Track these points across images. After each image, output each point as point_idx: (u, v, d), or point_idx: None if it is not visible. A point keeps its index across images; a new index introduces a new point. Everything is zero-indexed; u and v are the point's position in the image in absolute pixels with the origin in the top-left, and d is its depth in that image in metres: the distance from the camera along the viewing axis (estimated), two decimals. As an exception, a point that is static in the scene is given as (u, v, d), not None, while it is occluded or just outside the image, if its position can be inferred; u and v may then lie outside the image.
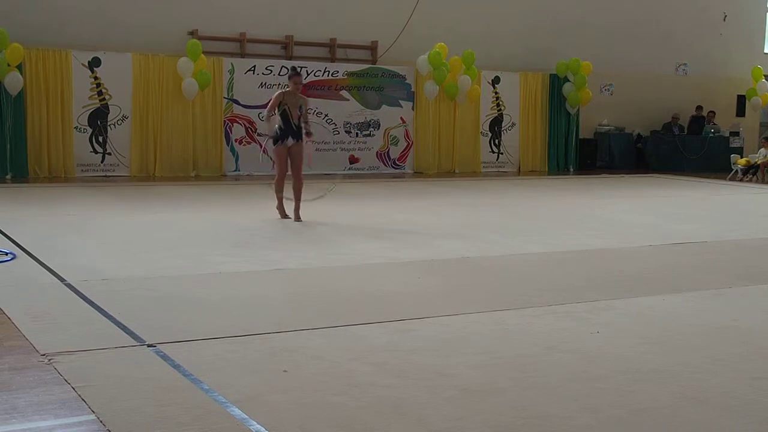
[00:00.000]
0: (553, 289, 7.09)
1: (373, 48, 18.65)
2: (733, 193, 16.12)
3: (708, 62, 22.76)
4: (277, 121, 10.50)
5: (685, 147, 21.29)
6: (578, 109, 20.49)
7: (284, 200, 10.76)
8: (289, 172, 10.70)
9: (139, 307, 6.11)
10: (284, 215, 10.69)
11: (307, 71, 17.54)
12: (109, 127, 16.15)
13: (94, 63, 15.92)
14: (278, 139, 10.56)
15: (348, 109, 18.14)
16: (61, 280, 6.94)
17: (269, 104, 10.65)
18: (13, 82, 15.03)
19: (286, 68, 17.20)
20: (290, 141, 10.58)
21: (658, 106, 21.95)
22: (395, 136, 18.69)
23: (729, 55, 22.98)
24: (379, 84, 18.38)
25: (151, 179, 16.04)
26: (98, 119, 16.08)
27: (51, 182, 15.02)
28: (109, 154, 16.21)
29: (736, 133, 21.90)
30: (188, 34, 16.84)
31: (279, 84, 17.23)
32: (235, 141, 17.12)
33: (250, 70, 17.11)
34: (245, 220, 10.61)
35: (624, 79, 21.52)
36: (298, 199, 10.63)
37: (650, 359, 5.11)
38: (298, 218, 10.52)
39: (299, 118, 10.62)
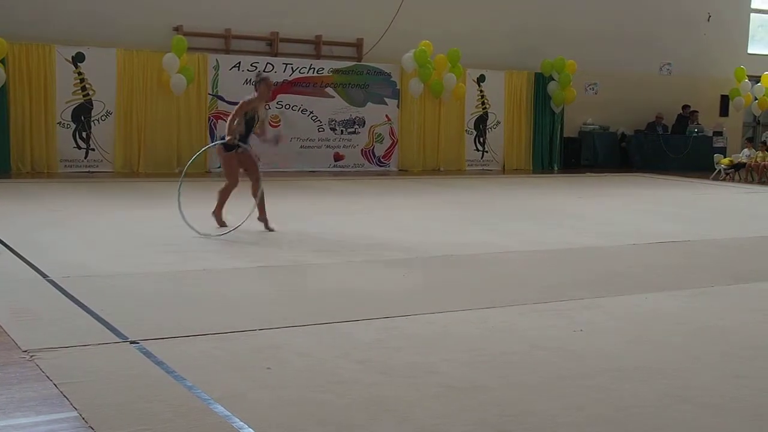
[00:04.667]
0: (537, 287, 7.10)
1: (358, 45, 18.62)
2: (717, 193, 16.20)
3: (692, 62, 22.85)
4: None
5: (669, 146, 21.38)
6: (563, 108, 20.52)
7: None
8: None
9: (122, 303, 6.08)
10: (221, 223, 9.55)
11: (292, 68, 17.51)
12: (92, 123, 16.05)
13: (78, 58, 15.82)
14: (234, 147, 9.45)
15: (333, 106, 18.10)
16: (44, 276, 6.89)
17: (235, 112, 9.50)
18: (-4, 76, 14.94)
19: (272, 65, 17.18)
20: (246, 147, 9.52)
21: (643, 105, 22.01)
22: (380, 134, 18.67)
23: (713, 55, 23.08)
24: (365, 81, 18.35)
25: (134, 175, 15.96)
26: (82, 115, 15.97)
27: (34, 177, 14.92)
28: (93, 149, 16.11)
29: (719, 133, 22.02)
30: (173, 30, 16.76)
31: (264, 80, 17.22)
32: (220, 138, 17.03)
33: (235, 66, 17.05)
34: (230, 217, 10.56)
35: (608, 79, 21.56)
36: (262, 208, 9.59)
37: (634, 357, 5.13)
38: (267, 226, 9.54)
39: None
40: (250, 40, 17.71)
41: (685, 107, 22.06)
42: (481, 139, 19.96)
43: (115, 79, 16.10)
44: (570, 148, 21.00)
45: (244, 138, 9.49)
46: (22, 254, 7.72)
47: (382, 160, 18.74)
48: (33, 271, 7.09)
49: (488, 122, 19.99)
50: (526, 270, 7.87)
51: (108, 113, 16.15)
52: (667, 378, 4.74)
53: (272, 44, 17.82)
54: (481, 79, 19.72)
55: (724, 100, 23.12)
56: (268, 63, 17.16)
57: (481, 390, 4.47)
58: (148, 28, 16.60)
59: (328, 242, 9.04)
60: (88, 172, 15.95)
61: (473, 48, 19.31)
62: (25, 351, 4.87)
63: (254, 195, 9.49)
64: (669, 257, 8.80)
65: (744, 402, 4.41)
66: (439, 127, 19.23)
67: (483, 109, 19.90)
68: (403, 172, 18.61)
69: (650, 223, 11.26)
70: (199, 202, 12.24)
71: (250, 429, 3.84)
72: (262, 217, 9.59)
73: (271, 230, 9.49)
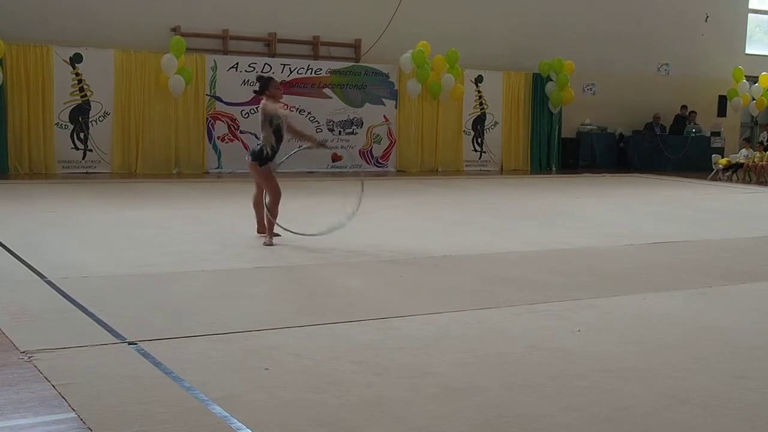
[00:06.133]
0: (535, 287, 7.11)
1: (356, 46, 18.63)
2: (714, 193, 16.21)
3: (689, 63, 22.87)
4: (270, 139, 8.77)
5: (667, 147, 21.40)
6: (561, 109, 20.54)
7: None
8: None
9: (120, 304, 6.08)
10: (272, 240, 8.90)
11: (290, 69, 17.52)
12: (90, 124, 16.05)
13: (76, 59, 15.83)
14: (269, 158, 8.78)
15: (331, 107, 18.11)
16: (41, 277, 6.90)
17: (269, 113, 8.69)
18: (-6, 77, 14.93)
19: (269, 65, 17.18)
20: (276, 162, 8.94)
21: (640, 105, 22.04)
22: (378, 135, 18.69)
23: (710, 55, 23.11)
24: (363, 82, 18.36)
25: (132, 176, 15.97)
26: (80, 115, 15.98)
27: (31, 179, 14.92)
28: (91, 150, 16.12)
29: (717, 133, 22.03)
30: (171, 31, 16.77)
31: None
32: (218, 138, 17.07)
33: (232, 67, 17.06)
34: (227, 218, 10.57)
35: (606, 79, 21.58)
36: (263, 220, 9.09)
37: (631, 358, 5.13)
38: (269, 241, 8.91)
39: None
40: (248, 41, 17.72)
41: (682, 108, 22.09)
42: (479, 140, 19.98)
43: (113, 80, 16.12)
44: (568, 149, 21.03)
45: (276, 150, 8.82)
46: (19, 255, 7.72)
47: (380, 160, 18.75)
48: (31, 272, 7.09)
49: (486, 123, 20.00)
50: (524, 270, 7.86)
51: (106, 114, 16.15)
52: (665, 378, 4.75)
53: (270, 45, 17.82)
54: (478, 79, 19.74)
55: (722, 101, 23.15)
56: (266, 64, 17.17)
57: (477, 391, 4.47)
58: (145, 29, 16.60)
59: (326, 243, 9.02)
60: (86, 173, 15.95)
61: (471, 49, 19.33)
62: (23, 352, 4.87)
63: (256, 205, 9.11)
64: (666, 258, 8.81)
65: (742, 402, 4.41)
66: (437, 128, 19.25)
67: (481, 109, 19.91)
68: (401, 172, 18.63)
69: (648, 224, 11.27)
70: (199, 203, 12.28)
71: (248, 430, 3.84)
72: (262, 230, 9.10)
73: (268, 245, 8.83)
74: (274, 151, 8.80)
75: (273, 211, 8.88)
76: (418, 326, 5.74)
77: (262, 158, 8.75)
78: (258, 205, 9.16)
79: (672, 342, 5.54)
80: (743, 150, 19.50)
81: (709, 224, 11.63)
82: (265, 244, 8.69)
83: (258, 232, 9.21)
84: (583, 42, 20.97)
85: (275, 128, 8.72)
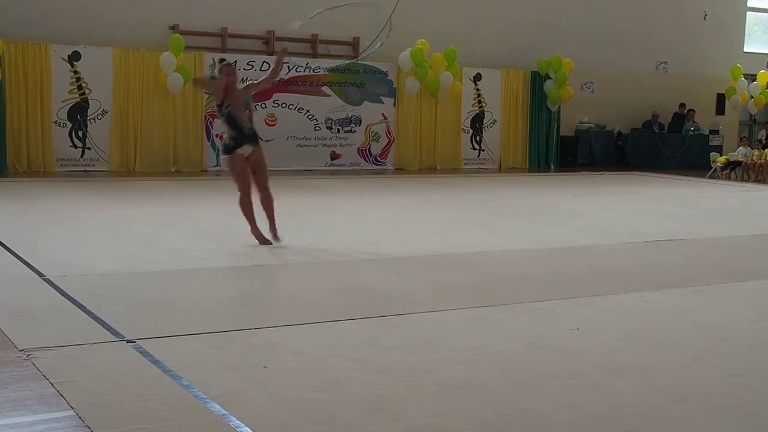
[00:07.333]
0: (534, 285, 7.11)
1: (355, 44, 18.61)
2: (713, 191, 16.21)
3: (688, 61, 22.87)
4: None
5: (665, 145, 21.40)
6: (559, 107, 20.54)
7: (256, 220, 8.68)
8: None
9: (119, 302, 6.08)
10: (263, 240, 8.60)
11: (288, 67, 17.51)
12: (89, 122, 16.05)
13: (74, 57, 15.82)
14: (231, 148, 8.37)
15: (329, 105, 18.10)
16: (40, 275, 6.89)
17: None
18: (-8, 75, 14.92)
19: (268, 63, 17.16)
20: (247, 149, 8.41)
21: (639, 104, 22.04)
22: (377, 133, 18.68)
23: (709, 53, 23.10)
24: (361, 80, 18.36)
25: (131, 174, 15.96)
26: (78, 114, 15.97)
27: (30, 177, 14.92)
28: (89, 148, 16.12)
29: (715, 132, 22.04)
30: (169, 29, 16.76)
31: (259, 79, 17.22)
32: (216, 136, 17.04)
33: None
34: (226, 216, 10.56)
35: (605, 77, 21.58)
36: (271, 217, 8.64)
37: (630, 356, 5.14)
38: (275, 237, 8.61)
39: (250, 119, 8.56)
40: (247, 39, 17.70)
41: (681, 106, 22.09)
42: (478, 138, 19.97)
43: (111, 78, 16.10)
44: (566, 147, 21.02)
45: (237, 138, 8.37)
46: (18, 253, 7.72)
47: (378, 158, 18.75)
48: (29, 270, 7.09)
49: (485, 121, 20.00)
50: (522, 268, 7.86)
51: (104, 112, 16.15)
52: (663, 376, 4.75)
53: (268, 43, 17.81)
54: (477, 77, 19.73)
55: (721, 99, 23.16)
56: (264, 62, 17.16)
57: (476, 389, 4.48)
58: (144, 27, 16.59)
59: (324, 241, 9.03)
60: (85, 171, 15.95)
61: (470, 46, 19.32)
62: (22, 350, 4.87)
63: (263, 205, 8.65)
64: (665, 256, 8.81)
65: (740, 400, 4.42)
66: (435, 126, 19.25)
67: (479, 107, 19.91)
68: (400, 170, 18.62)
69: (646, 222, 11.27)
70: (197, 201, 12.27)
71: (247, 428, 3.85)
72: (272, 229, 8.70)
73: (277, 240, 8.63)
74: (234, 140, 8.36)
75: (245, 211, 8.58)
76: (417, 324, 5.74)
77: (225, 148, 8.43)
78: (263, 207, 8.73)
79: (670, 340, 5.54)
80: (741, 148, 19.50)
81: (708, 222, 11.63)
82: (265, 243, 8.67)
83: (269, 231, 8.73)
84: (582, 40, 20.97)
85: (225, 116, 8.37)
